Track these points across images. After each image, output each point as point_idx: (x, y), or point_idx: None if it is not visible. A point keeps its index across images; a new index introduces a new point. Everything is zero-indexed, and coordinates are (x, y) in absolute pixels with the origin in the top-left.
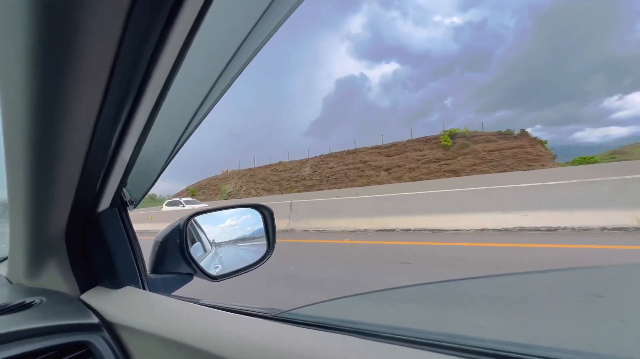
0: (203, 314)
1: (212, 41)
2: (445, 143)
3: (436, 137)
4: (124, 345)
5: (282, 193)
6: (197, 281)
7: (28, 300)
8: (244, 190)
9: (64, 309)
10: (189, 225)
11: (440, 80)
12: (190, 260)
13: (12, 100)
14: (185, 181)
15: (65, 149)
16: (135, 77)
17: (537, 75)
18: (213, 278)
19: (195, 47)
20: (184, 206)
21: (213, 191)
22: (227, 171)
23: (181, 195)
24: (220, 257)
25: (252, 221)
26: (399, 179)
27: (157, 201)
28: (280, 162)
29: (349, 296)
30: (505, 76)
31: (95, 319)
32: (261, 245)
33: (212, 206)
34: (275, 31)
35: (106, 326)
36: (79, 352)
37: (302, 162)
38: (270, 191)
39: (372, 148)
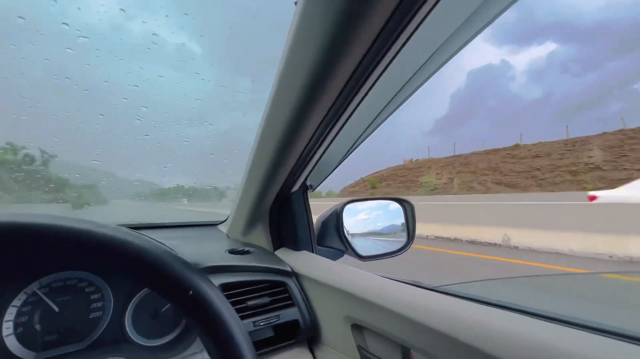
0: (365, 276)
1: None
2: None
3: None
4: (305, 289)
5: (543, 190)
6: None
7: (246, 249)
8: (459, 184)
9: (269, 258)
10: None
11: (624, 59)
12: (344, 239)
13: (280, 101)
14: (352, 174)
15: (293, 148)
16: (350, 95)
17: None
18: (361, 258)
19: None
20: None
21: (401, 182)
22: (411, 160)
23: (357, 186)
24: (356, 245)
25: (382, 217)
26: None
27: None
28: (517, 145)
29: (483, 280)
30: None
31: (288, 268)
32: (390, 241)
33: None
34: (471, 40)
35: (294, 274)
36: (281, 288)
37: (570, 143)
38: (512, 186)
39: None
